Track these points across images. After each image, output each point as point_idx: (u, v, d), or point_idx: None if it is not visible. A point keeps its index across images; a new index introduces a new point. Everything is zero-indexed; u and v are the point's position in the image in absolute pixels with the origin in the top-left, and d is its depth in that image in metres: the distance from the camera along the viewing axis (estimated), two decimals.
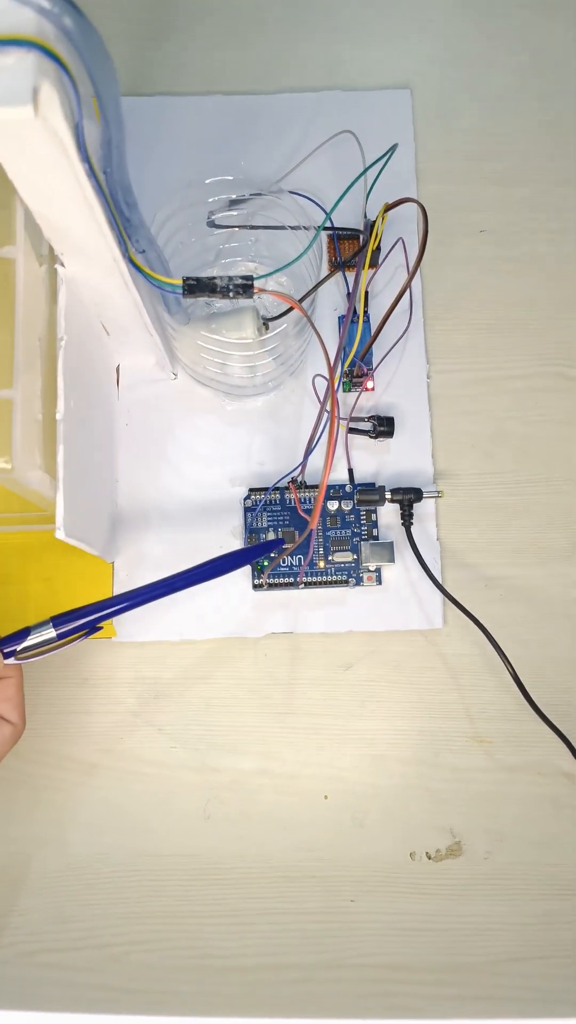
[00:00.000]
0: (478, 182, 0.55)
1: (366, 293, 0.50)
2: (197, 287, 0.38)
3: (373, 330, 0.48)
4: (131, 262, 0.38)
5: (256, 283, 0.39)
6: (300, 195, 0.52)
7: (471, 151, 0.56)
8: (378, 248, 0.49)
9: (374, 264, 0.51)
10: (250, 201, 0.46)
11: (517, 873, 0.46)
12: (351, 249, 0.52)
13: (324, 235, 0.52)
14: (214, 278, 0.38)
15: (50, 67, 0.25)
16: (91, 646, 0.49)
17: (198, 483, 0.50)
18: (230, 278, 0.38)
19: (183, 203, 0.43)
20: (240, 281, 0.38)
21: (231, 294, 0.38)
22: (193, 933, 0.46)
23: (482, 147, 0.56)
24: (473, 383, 0.52)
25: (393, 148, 0.46)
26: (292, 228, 0.45)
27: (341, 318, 0.51)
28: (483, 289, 0.53)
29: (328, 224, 0.52)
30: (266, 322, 0.44)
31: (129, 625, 0.49)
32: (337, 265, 0.50)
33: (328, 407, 0.40)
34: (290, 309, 0.43)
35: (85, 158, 0.30)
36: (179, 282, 0.38)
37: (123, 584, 0.49)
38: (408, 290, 0.46)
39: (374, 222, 0.47)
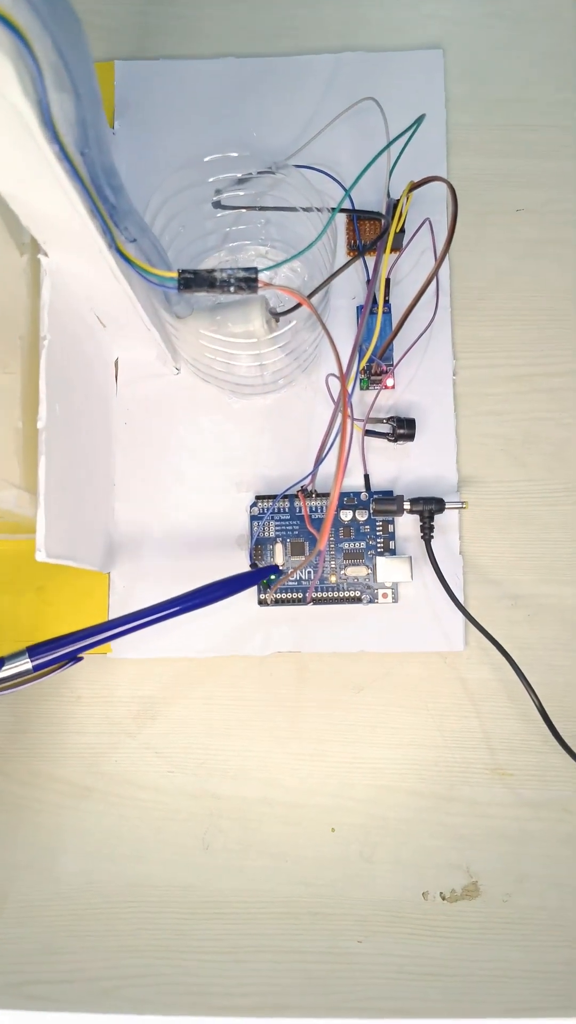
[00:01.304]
0: (516, 155, 0.50)
1: (387, 281, 0.45)
2: (194, 281, 0.34)
3: (395, 323, 0.44)
4: (119, 253, 0.33)
5: (262, 276, 0.34)
6: (317, 170, 0.47)
7: (508, 121, 0.50)
8: (402, 231, 0.44)
9: (397, 248, 0.46)
10: (258, 179, 0.41)
11: (539, 918, 0.43)
12: (372, 231, 0.47)
13: (342, 216, 0.48)
14: (213, 271, 0.34)
15: (2, 34, 0.21)
16: (86, 661, 0.46)
17: (201, 487, 0.47)
18: (231, 271, 0.34)
19: (183, 183, 0.39)
20: (243, 274, 0.34)
21: (232, 288, 0.34)
22: (189, 969, 0.43)
23: (521, 116, 0.50)
24: (504, 380, 0.47)
25: (419, 120, 0.41)
26: (304, 210, 0.40)
27: (359, 308, 0.46)
28: (519, 275, 0.48)
29: (347, 205, 0.47)
30: (276, 316, 0.40)
31: (125, 640, 0.45)
32: (356, 249, 0.46)
33: (343, 410, 0.36)
34: (323, 285, 0.38)
35: (54, 138, 0.25)
36: (174, 275, 0.34)
37: (119, 596, 0.46)
38: (435, 278, 0.41)
39: (397, 202, 0.42)
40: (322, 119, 0.48)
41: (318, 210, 0.38)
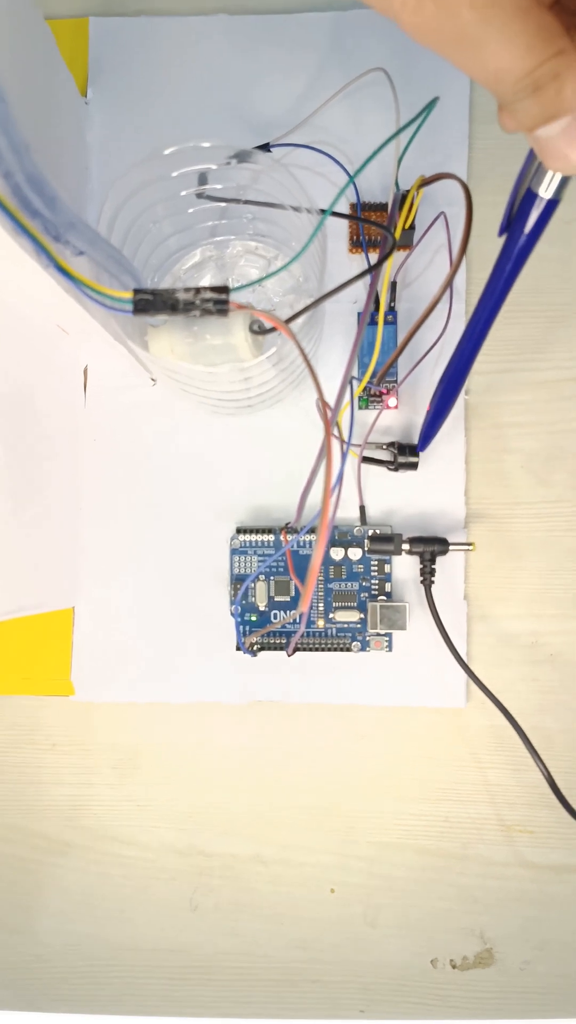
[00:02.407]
0: None
1: (393, 285, 0.39)
2: (151, 304, 0.28)
3: (400, 337, 0.38)
4: (61, 271, 0.28)
5: (235, 295, 0.29)
6: (317, 150, 0.41)
7: None
8: (412, 227, 0.37)
9: (406, 245, 0.39)
10: (239, 169, 0.35)
11: (559, 988, 0.39)
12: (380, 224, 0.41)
13: (346, 206, 0.41)
14: (175, 291, 0.28)
15: None
16: (60, 706, 0.42)
17: (177, 515, 0.42)
18: (197, 290, 0.28)
19: (146, 177, 0.32)
20: (211, 295, 0.28)
21: (198, 312, 0.28)
22: None
23: None
24: (526, 387, 0.41)
25: (431, 105, 0.34)
26: (294, 209, 0.34)
27: (360, 315, 0.40)
28: (548, 262, 0.42)
29: (351, 196, 0.40)
30: (263, 329, 0.34)
31: (90, 683, 0.41)
32: (360, 247, 0.39)
33: (327, 456, 0.31)
34: (307, 309, 0.32)
35: None
36: (128, 296, 0.28)
37: (86, 634, 0.41)
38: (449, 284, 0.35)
39: (406, 194, 0.36)
40: (326, 89, 0.41)
41: (307, 211, 0.32)
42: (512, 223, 0.27)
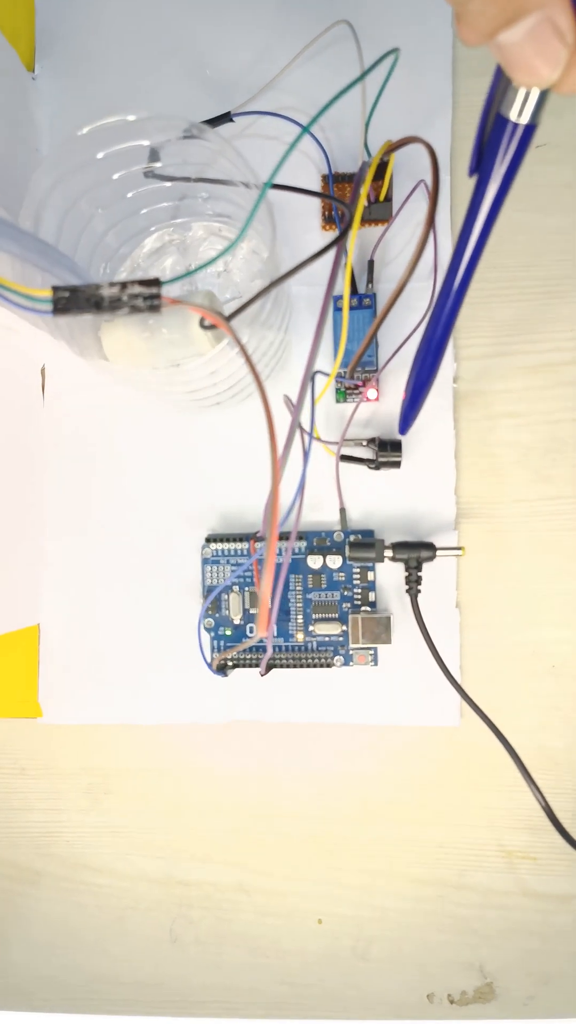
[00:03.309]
0: None
1: (371, 264, 0.35)
2: (73, 302, 0.25)
3: (373, 322, 0.34)
4: None
5: (168, 288, 0.25)
6: (283, 116, 0.37)
7: None
8: (388, 198, 0.34)
9: (383, 219, 0.36)
10: (193, 144, 0.31)
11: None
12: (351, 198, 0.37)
13: (318, 177, 0.37)
14: (99, 287, 0.25)
15: None
16: (27, 728, 0.40)
17: (146, 523, 0.39)
18: (123, 284, 0.25)
19: (74, 160, 0.29)
20: (139, 290, 0.25)
21: (127, 309, 0.25)
22: None
23: None
24: (521, 372, 0.37)
25: (393, 57, 0.30)
26: (246, 186, 0.30)
27: (336, 299, 0.36)
28: (543, 232, 0.37)
29: (323, 169, 0.37)
30: (224, 317, 0.31)
31: (58, 704, 0.39)
32: (332, 221, 0.36)
33: (303, 433, 0.27)
34: (253, 299, 0.29)
35: None
36: (47, 294, 0.25)
37: (52, 649, 0.39)
38: (432, 251, 0.31)
39: (379, 163, 0.32)
40: (291, 47, 0.37)
41: (247, 186, 0.28)
42: (483, 158, 0.22)
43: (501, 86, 0.21)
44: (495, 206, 0.23)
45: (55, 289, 0.25)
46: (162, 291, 0.25)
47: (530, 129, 0.21)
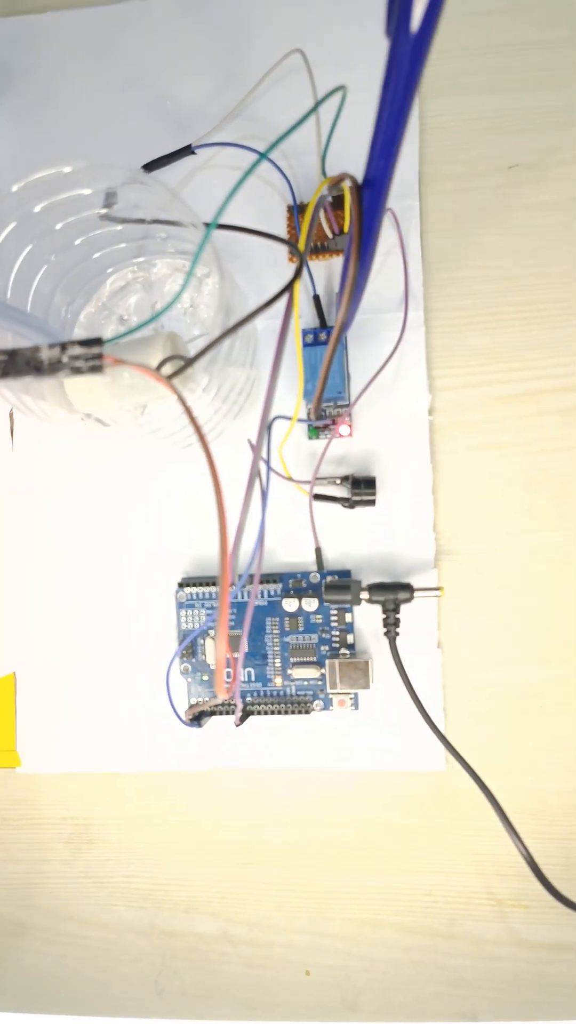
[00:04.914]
0: (507, 88, 0.37)
1: (339, 296, 0.34)
2: (10, 366, 0.24)
3: (340, 358, 0.33)
4: None
5: (110, 347, 0.24)
6: (244, 147, 0.36)
7: (495, 39, 0.37)
8: (341, 232, 0.32)
9: (340, 251, 0.34)
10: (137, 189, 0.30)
11: None
12: (320, 229, 0.36)
13: (281, 209, 0.36)
14: (39, 349, 0.24)
15: None
16: (6, 778, 0.39)
17: (120, 567, 0.38)
18: (63, 346, 0.24)
19: (27, 208, 0.28)
20: (79, 351, 0.24)
21: (66, 371, 0.24)
22: None
23: (513, 30, 0.37)
24: (500, 402, 0.36)
25: (341, 95, 0.29)
26: (194, 226, 0.29)
27: (305, 333, 0.35)
28: (518, 257, 0.36)
29: (288, 201, 0.35)
30: (184, 361, 0.30)
31: (37, 753, 0.38)
32: (295, 253, 0.35)
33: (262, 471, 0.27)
34: (204, 351, 0.27)
35: None
36: None
37: (29, 697, 0.38)
38: (403, 279, 0.30)
39: (335, 197, 0.31)
40: (251, 75, 0.36)
41: (194, 226, 0.27)
42: (400, 8, 0.18)
43: None
44: (414, 63, 0.18)
45: None
46: (103, 350, 0.24)
47: None
